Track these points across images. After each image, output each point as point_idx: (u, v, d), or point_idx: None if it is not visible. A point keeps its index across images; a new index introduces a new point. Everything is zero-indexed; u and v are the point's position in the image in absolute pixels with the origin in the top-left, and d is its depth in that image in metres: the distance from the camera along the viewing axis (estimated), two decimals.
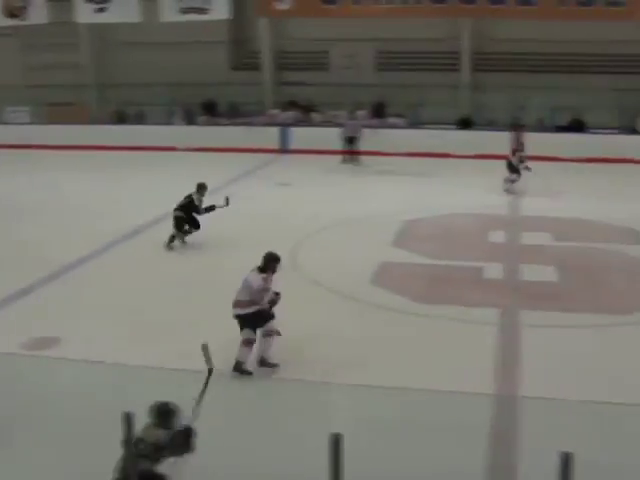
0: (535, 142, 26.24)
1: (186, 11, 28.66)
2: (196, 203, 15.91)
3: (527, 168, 21.20)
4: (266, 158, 26.88)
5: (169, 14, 28.60)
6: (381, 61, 30.20)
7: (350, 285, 13.57)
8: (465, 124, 28.58)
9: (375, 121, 27.22)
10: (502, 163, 24.62)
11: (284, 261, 14.95)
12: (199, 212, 15.98)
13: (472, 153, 26.41)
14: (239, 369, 10.04)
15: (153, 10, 28.38)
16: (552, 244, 16.35)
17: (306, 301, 12.69)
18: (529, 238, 16.57)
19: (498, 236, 16.74)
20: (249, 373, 10.07)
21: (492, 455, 8.26)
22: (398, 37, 29.18)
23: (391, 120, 28.66)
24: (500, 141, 26.74)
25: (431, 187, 22.30)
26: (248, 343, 10.05)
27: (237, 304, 10.16)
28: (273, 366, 10.25)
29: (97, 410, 8.61)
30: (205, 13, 28.70)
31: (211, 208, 15.93)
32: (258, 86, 30.86)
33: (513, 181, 21.42)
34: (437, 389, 9.53)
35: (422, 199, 20.46)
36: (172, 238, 15.96)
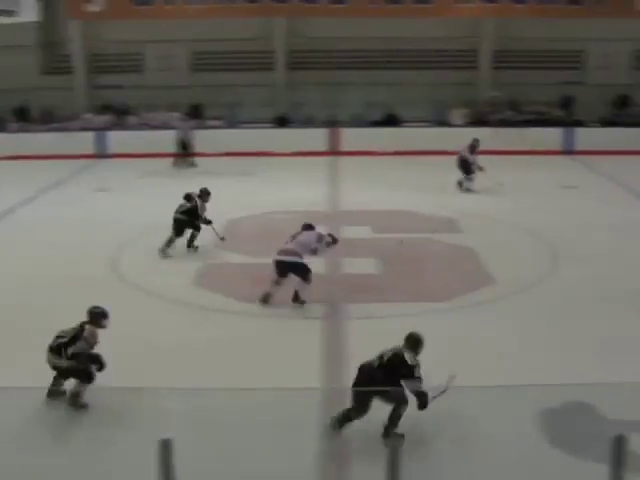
0: (351, 137, 26.86)
1: None
2: (200, 211, 15.69)
3: (480, 168, 20.93)
4: (83, 164, 26.20)
5: None
6: (197, 62, 30.05)
7: (174, 288, 13.46)
8: (281, 122, 28.74)
9: (184, 123, 26.81)
10: (321, 160, 25.03)
11: (105, 269, 14.75)
12: (200, 219, 15.72)
13: (290, 151, 26.58)
14: (297, 299, 12.60)
15: None
16: (372, 236, 16.69)
17: (131, 308, 12.48)
18: (349, 232, 16.80)
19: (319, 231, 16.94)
20: (305, 302, 12.58)
21: (325, 447, 8.36)
22: (213, 37, 29.10)
23: (210, 122, 28.46)
24: (318, 138, 27.19)
25: (252, 186, 22.31)
26: (308, 282, 12.55)
27: (292, 253, 12.59)
28: (303, 303, 12.60)
29: None
30: (12, 15, 27.80)
31: (209, 222, 15.81)
32: (71, 90, 30.08)
33: (469, 180, 21.26)
34: (268, 387, 9.56)
35: (244, 198, 20.45)
36: (169, 242, 15.62)
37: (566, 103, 28.90)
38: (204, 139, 25.94)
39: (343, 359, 10.62)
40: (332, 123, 27.91)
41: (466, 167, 21.23)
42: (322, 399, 9.49)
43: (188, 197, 15.89)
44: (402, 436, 8.35)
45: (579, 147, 27.40)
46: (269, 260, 14.97)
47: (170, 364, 10.19)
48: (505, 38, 29.79)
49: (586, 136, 27.58)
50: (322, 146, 27.23)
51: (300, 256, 12.58)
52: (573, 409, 9.38)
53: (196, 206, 15.72)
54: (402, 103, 28.22)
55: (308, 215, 18.05)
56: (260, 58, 29.93)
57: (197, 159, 25.50)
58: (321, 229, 13.39)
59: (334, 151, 27.07)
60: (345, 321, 12.18)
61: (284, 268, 12.64)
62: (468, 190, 21.24)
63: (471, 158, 21.15)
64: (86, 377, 9.10)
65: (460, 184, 21.38)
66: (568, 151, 27.42)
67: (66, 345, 9.06)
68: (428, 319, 12.14)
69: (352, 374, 10.05)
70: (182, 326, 11.76)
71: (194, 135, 25.62)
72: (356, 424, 8.49)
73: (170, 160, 25.34)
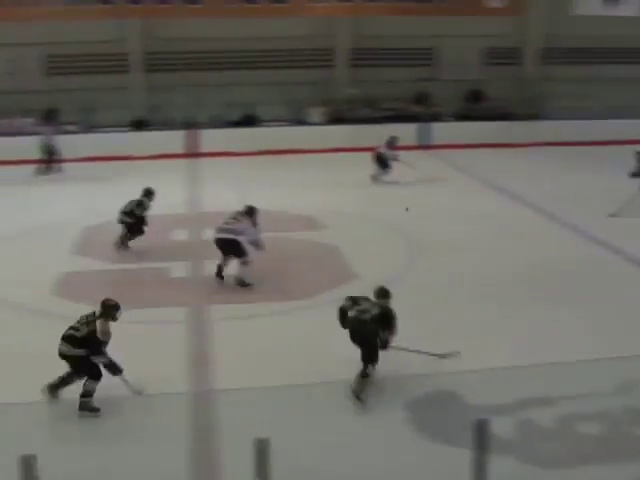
0: (210, 139, 26.74)
1: None
2: (144, 208, 15.67)
3: (395, 158, 22.09)
4: None
5: None
6: (50, 65, 29.29)
7: (33, 299, 13.09)
8: (139, 125, 28.33)
9: (47, 128, 26.06)
10: (181, 162, 24.82)
11: None
12: (145, 219, 15.67)
13: (150, 154, 26.17)
14: (243, 284, 13.42)
15: None
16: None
17: None
18: (211, 234, 16.73)
19: (181, 234, 16.80)
20: (251, 284, 13.47)
21: (194, 452, 8.33)
22: (67, 40, 28.34)
23: (66, 127, 27.70)
24: (177, 140, 26.96)
25: (111, 191, 21.72)
26: (248, 263, 13.40)
27: (233, 232, 13.27)
28: (249, 285, 13.44)
29: None
30: None
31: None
32: None
33: (382, 174, 22.31)
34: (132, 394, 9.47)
35: (103, 204, 19.88)
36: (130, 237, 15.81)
37: (421, 99, 29.49)
38: (61, 144, 25.30)
39: (209, 361, 10.59)
40: (191, 125, 27.71)
41: (382, 162, 22.29)
42: (189, 402, 9.45)
43: (131, 201, 15.96)
44: (363, 401, 9.22)
45: (435, 142, 28.04)
46: (130, 265, 14.91)
47: (31, 376, 9.93)
48: (360, 36, 30.12)
49: (442, 131, 28.27)
50: (181, 148, 27.03)
51: (238, 234, 13.32)
52: (435, 398, 9.61)
53: (142, 205, 15.79)
54: (260, 103, 28.40)
55: (170, 217, 18.03)
56: (115, 61, 29.35)
57: (59, 165, 24.74)
58: (259, 224, 13.96)
59: (194, 153, 26.91)
60: (209, 323, 12.14)
61: (223, 245, 13.49)
62: (383, 182, 22.21)
63: (388, 153, 22.26)
64: (94, 374, 9.12)
65: (374, 177, 22.37)
66: (425, 146, 28.01)
67: (79, 340, 9.10)
68: (291, 317, 12.24)
69: (218, 376, 10.09)
70: (44, 337, 11.42)
71: (58, 140, 24.89)
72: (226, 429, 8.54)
73: (31, 167, 24.48)
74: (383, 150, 22.44)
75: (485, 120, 28.76)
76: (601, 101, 28.87)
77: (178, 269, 14.65)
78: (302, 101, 29.02)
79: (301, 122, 28.95)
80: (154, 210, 18.45)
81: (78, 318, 9.34)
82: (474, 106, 29.99)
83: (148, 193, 16.03)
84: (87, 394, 9.07)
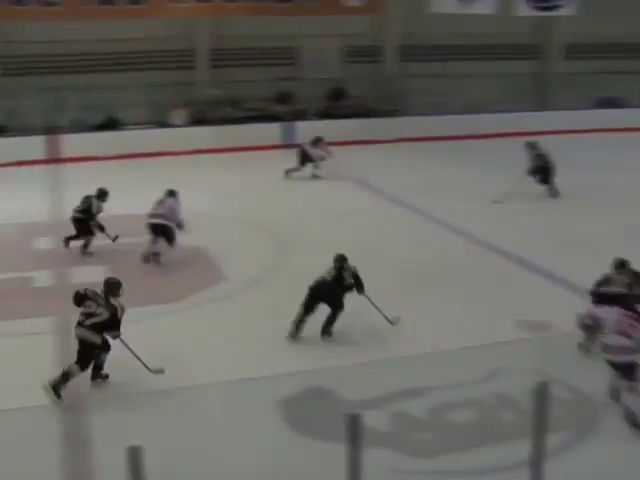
0: (72, 143, 26.17)
1: None
2: (93, 210, 15.30)
3: (328, 153, 22.99)
4: None
5: None
6: None
7: None
8: None
9: None
10: (41, 168, 24.21)
11: None
12: (94, 219, 15.31)
13: (8, 160, 25.32)
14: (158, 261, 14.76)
15: None
16: (98, 243, 16.35)
17: None
18: (75, 242, 16.39)
19: (43, 243, 16.38)
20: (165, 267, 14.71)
21: (68, 464, 8.19)
22: None
23: None
24: (36, 146, 26.24)
25: None
26: (174, 246, 14.80)
27: (163, 217, 14.75)
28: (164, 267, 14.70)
29: None
30: None
31: (102, 228, 15.48)
32: None
33: (315, 169, 23.12)
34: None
35: None
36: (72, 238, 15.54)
37: (283, 98, 29.63)
38: None
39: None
40: (51, 130, 27.04)
41: (307, 158, 22.98)
42: (58, 413, 9.27)
43: (86, 198, 15.68)
44: (332, 334, 11.16)
45: (300, 140, 28.11)
46: None
47: None
48: (220, 36, 30.03)
49: (306, 129, 28.37)
50: (42, 154, 26.34)
51: (168, 220, 14.76)
52: (308, 394, 9.67)
53: (90, 205, 15.44)
54: (121, 106, 28.00)
55: (30, 226, 17.57)
56: None
57: None
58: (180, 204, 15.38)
59: (55, 158, 26.26)
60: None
61: (156, 230, 14.75)
62: (316, 176, 22.98)
63: (312, 150, 23.08)
64: (86, 365, 9.46)
65: (313, 174, 23.10)
66: (289, 144, 28.07)
67: (101, 325, 9.46)
68: (158, 321, 12.11)
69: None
70: None
71: None
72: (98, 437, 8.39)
73: None
74: (308, 147, 23.11)
75: (347, 118, 29.18)
76: (457, 97, 29.71)
77: (41, 278, 14.30)
78: (164, 103, 28.73)
79: (163, 124, 28.64)
80: (16, 219, 18.03)
81: (86, 303, 9.60)
82: (336, 104, 30.35)
83: (102, 194, 15.75)
84: (65, 377, 9.23)
